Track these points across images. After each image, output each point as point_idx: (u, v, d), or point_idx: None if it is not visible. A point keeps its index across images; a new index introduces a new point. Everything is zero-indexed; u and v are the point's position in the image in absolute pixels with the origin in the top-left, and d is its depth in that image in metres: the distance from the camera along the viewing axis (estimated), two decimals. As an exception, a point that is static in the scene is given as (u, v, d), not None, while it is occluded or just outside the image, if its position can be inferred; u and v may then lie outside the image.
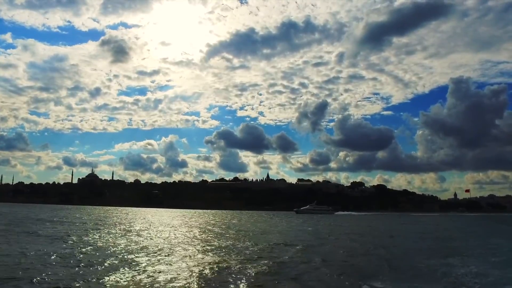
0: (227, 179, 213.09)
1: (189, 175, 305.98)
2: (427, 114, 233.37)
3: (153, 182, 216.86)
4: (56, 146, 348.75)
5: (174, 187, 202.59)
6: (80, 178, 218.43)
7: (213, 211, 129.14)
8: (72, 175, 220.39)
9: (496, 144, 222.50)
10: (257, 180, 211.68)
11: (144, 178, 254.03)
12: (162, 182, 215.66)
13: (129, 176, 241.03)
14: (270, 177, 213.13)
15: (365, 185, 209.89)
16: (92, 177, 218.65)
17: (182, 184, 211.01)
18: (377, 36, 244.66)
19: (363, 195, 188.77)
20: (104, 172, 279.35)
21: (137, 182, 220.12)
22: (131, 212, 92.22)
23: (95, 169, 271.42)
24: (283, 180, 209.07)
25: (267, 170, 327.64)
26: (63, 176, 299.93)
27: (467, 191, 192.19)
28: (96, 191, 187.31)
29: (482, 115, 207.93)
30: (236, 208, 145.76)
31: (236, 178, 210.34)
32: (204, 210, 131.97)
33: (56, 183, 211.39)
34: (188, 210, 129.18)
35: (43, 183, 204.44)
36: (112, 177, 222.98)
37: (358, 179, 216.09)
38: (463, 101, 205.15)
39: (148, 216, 68.34)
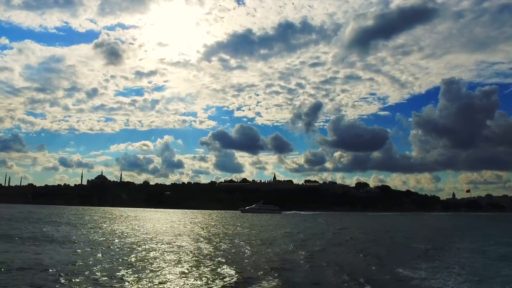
0: (236, 180, 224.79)
1: (185, 176, 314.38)
2: (419, 115, 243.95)
3: (162, 183, 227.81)
4: (53, 147, 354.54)
5: (183, 188, 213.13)
6: (89, 180, 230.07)
7: (236, 211, 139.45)
8: (81, 177, 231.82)
9: (488, 144, 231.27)
10: (265, 181, 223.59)
11: (141, 178, 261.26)
12: (172, 183, 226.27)
13: (125, 177, 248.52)
14: (266, 177, 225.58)
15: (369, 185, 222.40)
16: (101, 178, 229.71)
17: (191, 185, 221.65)
18: (364, 40, 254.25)
19: (368, 195, 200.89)
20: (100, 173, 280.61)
21: (146, 183, 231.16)
22: (170, 213, 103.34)
23: (92, 170, 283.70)
24: (290, 181, 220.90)
25: (263, 170, 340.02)
26: (59, 177, 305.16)
27: (468, 191, 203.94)
28: (108, 193, 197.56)
29: (474, 116, 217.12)
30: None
31: (245, 180, 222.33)
32: (221, 211, 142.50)
33: (66, 184, 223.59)
34: (216, 211, 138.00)
35: (56, 184, 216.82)
36: (121, 178, 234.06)
37: (353, 180, 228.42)
38: (454, 102, 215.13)
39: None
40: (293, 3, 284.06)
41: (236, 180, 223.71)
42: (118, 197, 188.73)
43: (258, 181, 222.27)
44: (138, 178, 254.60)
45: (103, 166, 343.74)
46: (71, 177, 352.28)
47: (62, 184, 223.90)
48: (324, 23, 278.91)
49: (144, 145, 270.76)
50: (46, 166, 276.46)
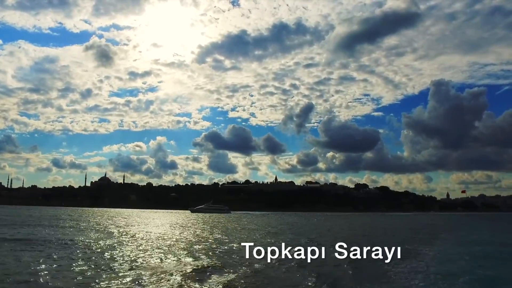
0: (239, 182, 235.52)
1: (178, 177, 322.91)
2: (409, 116, 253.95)
3: (166, 185, 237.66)
4: (46, 147, 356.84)
5: (186, 190, 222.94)
6: (93, 181, 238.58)
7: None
8: (85, 178, 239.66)
9: (477, 144, 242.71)
10: (267, 182, 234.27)
11: (134, 179, 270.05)
12: (176, 185, 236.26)
13: (119, 178, 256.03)
14: (259, 177, 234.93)
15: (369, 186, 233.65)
16: (106, 180, 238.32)
17: (194, 186, 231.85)
18: (349, 44, 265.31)
19: (369, 196, 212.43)
20: (94, 174, 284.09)
21: (149, 185, 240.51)
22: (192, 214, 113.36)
23: (86, 171, 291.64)
24: (292, 183, 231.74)
25: (256, 171, 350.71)
26: (53, 178, 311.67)
27: (463, 191, 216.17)
28: (115, 194, 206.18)
29: (462, 117, 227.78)
30: (259, 209, 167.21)
31: (247, 181, 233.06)
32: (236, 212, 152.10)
33: (71, 186, 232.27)
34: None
35: (61, 186, 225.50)
36: (124, 180, 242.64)
37: (346, 180, 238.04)
38: (443, 104, 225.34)
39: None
40: (287, 5, 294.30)
41: (239, 182, 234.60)
42: (125, 199, 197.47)
43: (261, 183, 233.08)
44: (132, 179, 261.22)
45: (96, 167, 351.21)
46: (65, 178, 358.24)
47: (68, 186, 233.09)
48: (319, 24, 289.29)
49: (137, 146, 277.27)
50: (39, 167, 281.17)
